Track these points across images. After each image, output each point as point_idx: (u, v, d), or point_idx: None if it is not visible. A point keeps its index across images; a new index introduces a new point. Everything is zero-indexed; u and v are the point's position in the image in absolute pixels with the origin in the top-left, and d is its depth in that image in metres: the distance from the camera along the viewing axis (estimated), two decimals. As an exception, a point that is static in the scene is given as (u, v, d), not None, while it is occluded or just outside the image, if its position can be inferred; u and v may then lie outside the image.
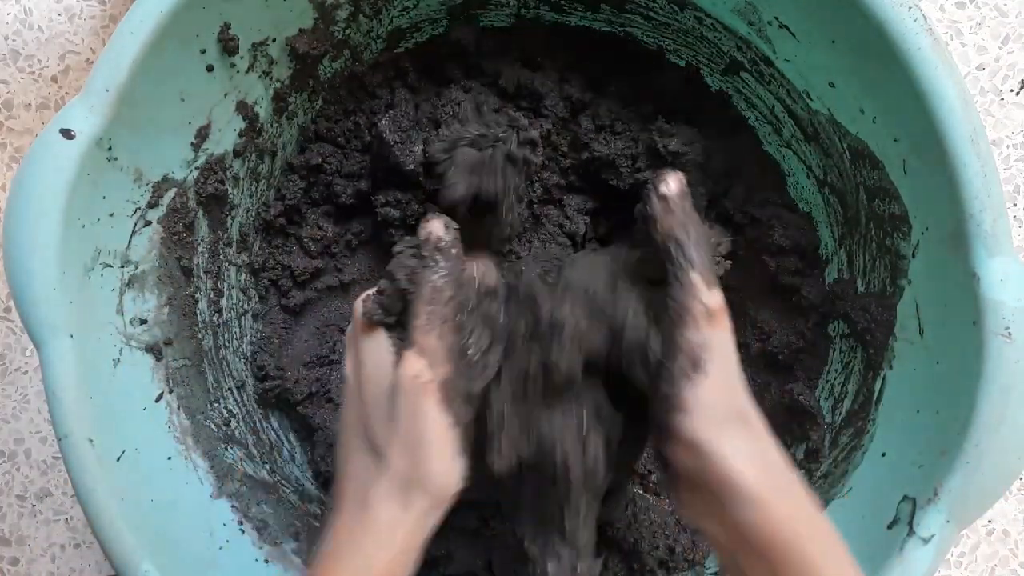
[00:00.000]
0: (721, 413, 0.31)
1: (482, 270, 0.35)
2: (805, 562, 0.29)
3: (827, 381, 0.44)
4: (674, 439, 0.31)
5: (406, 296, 0.32)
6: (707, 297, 0.31)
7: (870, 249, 0.41)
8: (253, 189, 0.47)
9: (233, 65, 0.41)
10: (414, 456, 0.31)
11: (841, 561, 0.30)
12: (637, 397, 0.34)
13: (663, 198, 0.33)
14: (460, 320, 0.32)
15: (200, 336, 0.44)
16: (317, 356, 0.50)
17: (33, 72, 0.54)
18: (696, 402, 0.30)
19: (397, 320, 0.33)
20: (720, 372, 0.31)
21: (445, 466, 0.31)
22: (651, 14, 0.45)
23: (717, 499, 0.30)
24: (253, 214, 0.47)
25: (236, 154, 0.44)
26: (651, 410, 0.32)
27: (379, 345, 0.33)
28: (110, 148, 0.36)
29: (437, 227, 0.33)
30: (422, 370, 0.31)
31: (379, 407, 0.32)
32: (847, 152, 0.41)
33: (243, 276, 0.48)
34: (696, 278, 0.31)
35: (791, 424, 0.45)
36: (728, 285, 0.48)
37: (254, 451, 0.46)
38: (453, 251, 0.33)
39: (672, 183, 0.33)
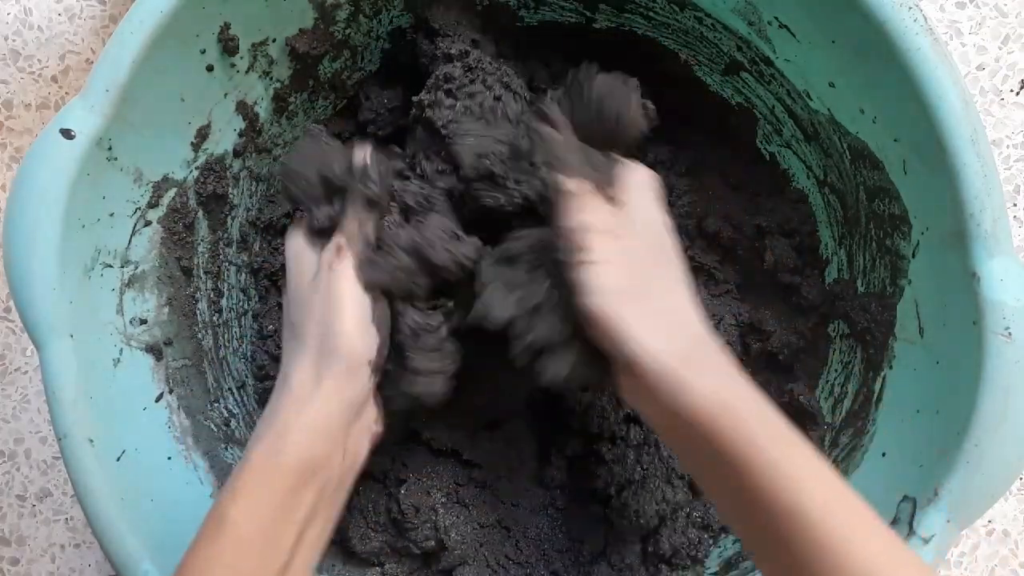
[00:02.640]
0: (620, 290, 0.31)
1: (388, 163, 0.39)
2: (738, 430, 0.28)
3: (827, 381, 0.44)
4: (585, 322, 0.32)
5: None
6: (565, 184, 0.34)
7: (870, 249, 0.41)
8: (253, 189, 0.47)
9: (233, 65, 0.41)
10: (326, 324, 0.33)
11: (777, 425, 0.29)
12: None
13: (533, 132, 0.36)
14: (375, 211, 0.37)
15: (200, 336, 0.44)
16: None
17: (33, 72, 0.54)
18: (591, 282, 0.31)
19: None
20: (603, 249, 0.32)
21: (355, 328, 0.33)
22: (651, 14, 0.45)
23: (636, 378, 0.30)
24: (254, 213, 0.47)
25: (236, 154, 0.44)
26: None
27: (306, 246, 0.37)
28: (110, 148, 0.36)
29: (360, 157, 0.37)
30: (341, 243, 0.35)
31: (301, 292, 0.35)
32: (847, 152, 0.41)
33: (243, 276, 0.48)
34: (553, 174, 0.34)
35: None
36: (727, 280, 0.49)
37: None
38: (375, 173, 0.37)
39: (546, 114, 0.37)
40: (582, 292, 0.31)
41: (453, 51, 0.43)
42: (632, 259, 0.33)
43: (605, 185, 0.35)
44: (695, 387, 0.29)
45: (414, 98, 0.44)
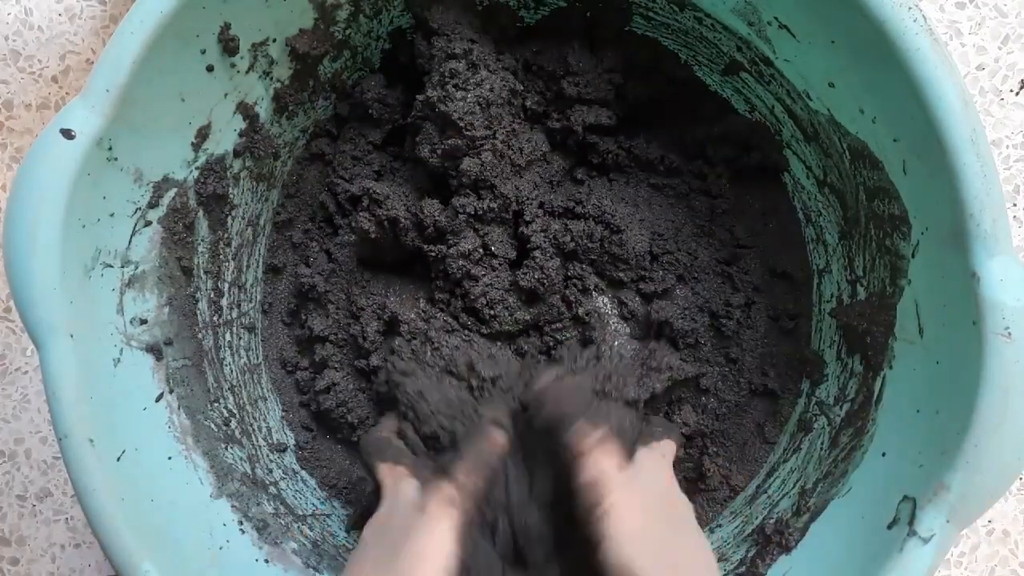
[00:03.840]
0: (636, 533, 0.32)
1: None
2: None
3: (827, 381, 0.44)
4: (608, 571, 0.32)
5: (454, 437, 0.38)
6: (596, 430, 0.35)
7: (870, 249, 0.41)
8: (254, 189, 0.47)
9: (233, 65, 0.41)
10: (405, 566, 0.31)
11: None
12: None
13: (537, 394, 0.38)
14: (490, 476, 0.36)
15: (200, 336, 0.44)
16: (317, 356, 0.50)
17: (33, 72, 0.54)
18: (610, 534, 0.32)
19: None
20: (623, 494, 0.33)
21: None
22: (651, 14, 0.45)
23: None
24: (258, 213, 0.48)
25: (236, 154, 0.44)
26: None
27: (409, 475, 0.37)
28: (110, 148, 0.36)
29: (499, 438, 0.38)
30: (454, 495, 0.34)
31: (391, 521, 0.35)
32: (847, 152, 0.41)
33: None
34: (581, 421, 0.36)
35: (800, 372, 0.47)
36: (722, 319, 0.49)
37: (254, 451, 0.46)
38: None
39: (542, 378, 0.38)
40: (601, 546, 0.32)
41: (457, 50, 0.43)
42: (646, 508, 0.34)
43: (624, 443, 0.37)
44: None
45: (418, 96, 0.44)
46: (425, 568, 0.31)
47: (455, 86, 0.43)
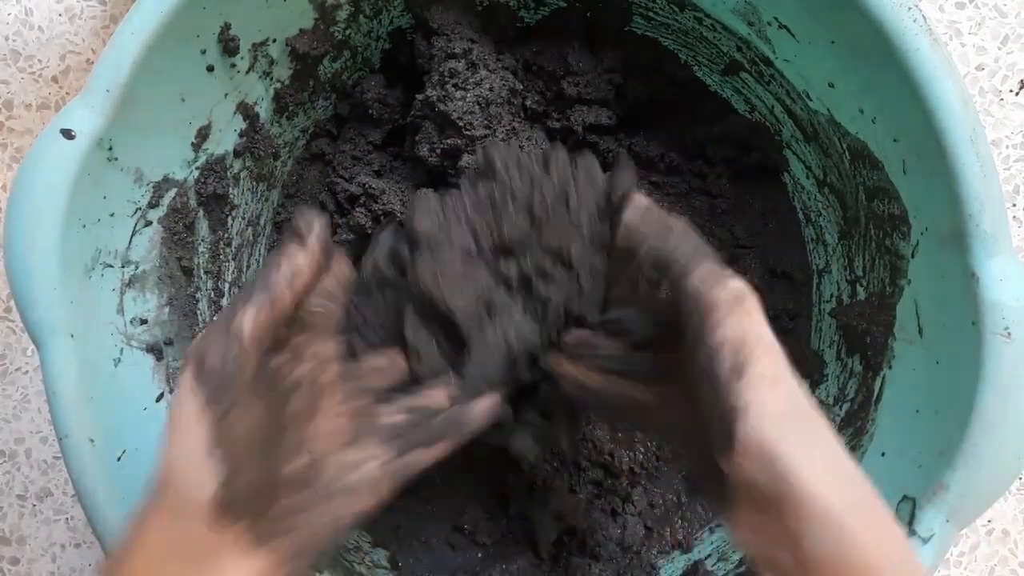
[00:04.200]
0: (787, 414, 0.27)
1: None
2: None
3: (827, 381, 0.45)
4: (739, 450, 0.26)
5: None
6: (731, 280, 0.28)
7: (870, 249, 0.41)
8: (254, 189, 0.47)
9: (234, 65, 0.41)
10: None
11: None
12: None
13: (637, 210, 0.32)
14: None
15: (200, 336, 0.44)
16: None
17: (34, 72, 0.54)
18: (758, 404, 0.26)
19: None
20: (773, 365, 0.27)
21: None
22: (651, 14, 0.45)
23: (790, 520, 0.26)
24: (259, 213, 0.48)
25: (237, 154, 0.44)
26: (701, 420, 0.28)
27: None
28: (111, 148, 0.36)
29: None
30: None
31: None
32: (847, 152, 0.41)
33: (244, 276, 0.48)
34: (708, 265, 0.29)
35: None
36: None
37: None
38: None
39: (638, 199, 0.33)
40: (746, 415, 0.26)
41: (456, 50, 0.43)
42: (792, 384, 0.28)
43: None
44: (858, 541, 0.25)
45: (418, 96, 0.44)
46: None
47: (455, 86, 0.43)
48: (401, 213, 0.46)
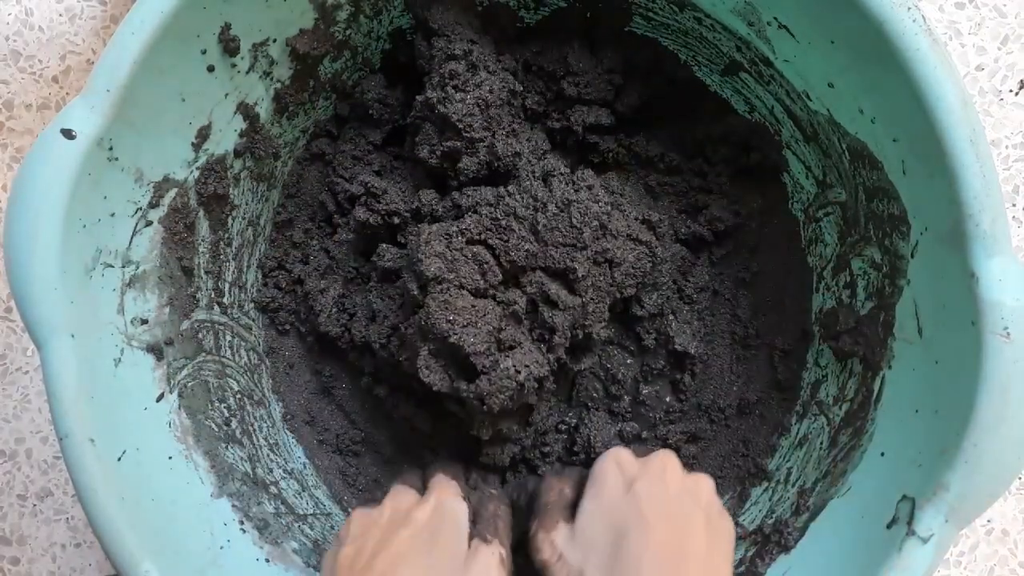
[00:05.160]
0: None
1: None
2: None
3: (827, 381, 0.45)
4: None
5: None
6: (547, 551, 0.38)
7: (869, 249, 0.41)
8: (254, 189, 0.47)
9: (234, 65, 0.41)
10: None
11: None
12: None
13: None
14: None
15: (200, 336, 0.44)
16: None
17: (34, 72, 0.54)
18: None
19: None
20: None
21: None
22: (651, 14, 0.45)
23: None
24: (259, 213, 0.48)
25: (237, 154, 0.44)
26: None
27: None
28: (111, 148, 0.36)
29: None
30: (502, 557, 0.38)
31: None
32: (846, 152, 0.41)
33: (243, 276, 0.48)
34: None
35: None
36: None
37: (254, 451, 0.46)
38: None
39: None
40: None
41: (456, 51, 0.43)
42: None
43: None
44: None
45: (418, 97, 0.44)
46: None
47: (455, 87, 0.43)
48: (404, 212, 0.46)
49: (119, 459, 0.36)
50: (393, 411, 0.48)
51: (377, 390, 0.48)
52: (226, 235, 0.46)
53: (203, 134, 0.42)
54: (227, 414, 0.45)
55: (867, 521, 0.36)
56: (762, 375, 0.48)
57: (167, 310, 0.42)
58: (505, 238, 0.40)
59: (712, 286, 0.50)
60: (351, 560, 0.35)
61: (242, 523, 0.42)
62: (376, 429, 0.50)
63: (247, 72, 0.42)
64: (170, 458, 0.40)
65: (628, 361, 0.49)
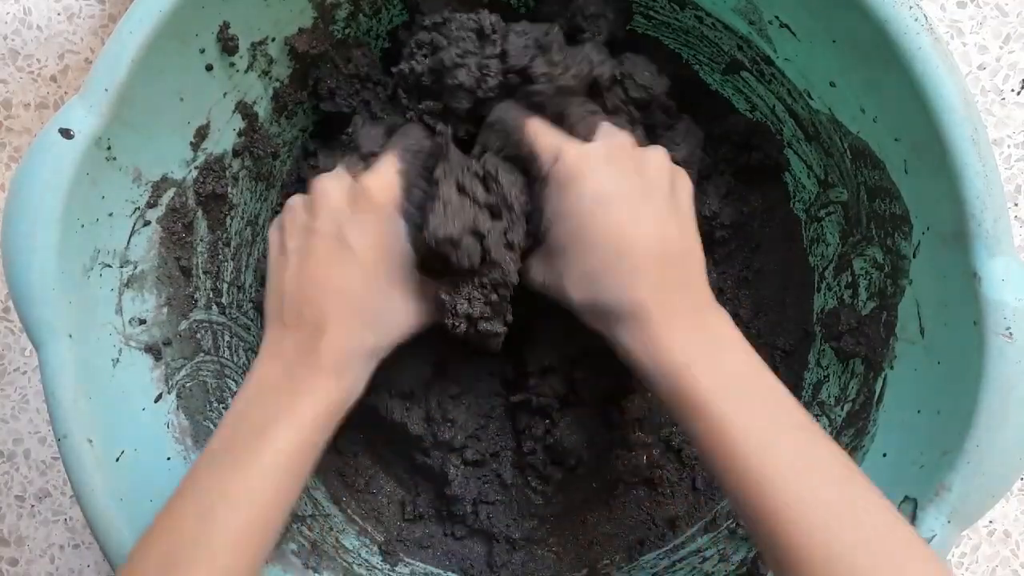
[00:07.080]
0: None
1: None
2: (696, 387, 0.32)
3: (828, 381, 0.44)
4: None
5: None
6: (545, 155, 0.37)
7: (871, 248, 0.41)
8: (253, 188, 0.47)
9: (232, 65, 0.41)
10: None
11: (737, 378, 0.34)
12: None
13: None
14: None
15: (199, 336, 0.44)
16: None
17: (32, 71, 0.54)
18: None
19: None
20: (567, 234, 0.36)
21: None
22: (651, 13, 0.45)
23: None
24: (258, 213, 0.47)
25: (235, 154, 0.44)
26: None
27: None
28: (109, 148, 0.36)
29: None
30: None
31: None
32: (848, 152, 0.41)
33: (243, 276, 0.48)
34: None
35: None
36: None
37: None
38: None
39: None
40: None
41: (427, 23, 0.41)
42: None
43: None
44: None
45: (392, 69, 0.43)
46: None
47: (423, 55, 0.41)
48: None
49: (117, 460, 0.36)
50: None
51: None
52: (224, 235, 0.46)
53: (201, 133, 0.41)
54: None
55: (869, 522, 0.36)
56: (763, 375, 0.48)
57: (165, 310, 0.42)
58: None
59: (713, 285, 0.50)
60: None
61: (241, 524, 0.42)
62: (375, 429, 0.50)
63: (246, 71, 0.42)
64: (168, 459, 0.40)
65: None
